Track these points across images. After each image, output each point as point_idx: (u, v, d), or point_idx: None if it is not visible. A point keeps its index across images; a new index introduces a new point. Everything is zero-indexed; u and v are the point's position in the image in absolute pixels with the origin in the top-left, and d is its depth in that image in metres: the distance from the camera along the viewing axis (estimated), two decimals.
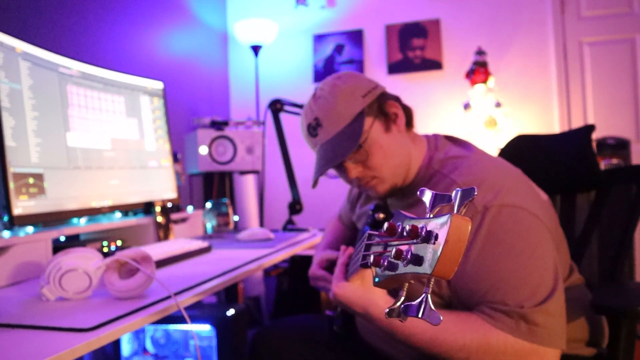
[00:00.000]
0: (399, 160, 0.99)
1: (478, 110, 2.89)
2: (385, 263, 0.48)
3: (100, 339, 0.73)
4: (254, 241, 1.68)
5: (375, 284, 0.52)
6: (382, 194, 1.02)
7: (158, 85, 1.86)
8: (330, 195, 2.64)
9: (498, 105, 2.85)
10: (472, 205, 0.85)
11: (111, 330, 0.75)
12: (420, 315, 0.43)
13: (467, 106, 2.93)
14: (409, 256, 0.45)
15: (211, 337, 1.69)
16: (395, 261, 0.47)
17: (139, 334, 1.76)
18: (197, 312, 1.75)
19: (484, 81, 2.87)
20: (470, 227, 0.42)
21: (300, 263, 2.53)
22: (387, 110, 0.99)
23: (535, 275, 0.83)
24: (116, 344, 1.74)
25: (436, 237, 0.43)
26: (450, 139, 1.07)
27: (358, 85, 0.99)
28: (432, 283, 0.44)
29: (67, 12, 2.02)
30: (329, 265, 1.17)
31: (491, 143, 2.78)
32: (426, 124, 3.14)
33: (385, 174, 0.98)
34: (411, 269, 0.45)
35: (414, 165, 1.01)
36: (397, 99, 1.03)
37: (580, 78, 3.03)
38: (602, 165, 2.48)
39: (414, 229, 0.45)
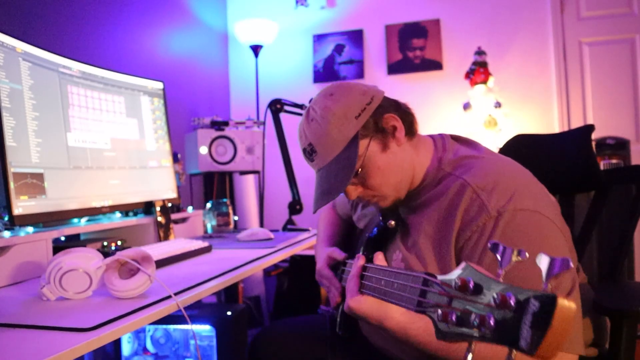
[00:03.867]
0: (400, 177, 0.96)
1: (478, 111, 2.89)
2: (454, 319, 0.47)
3: (100, 338, 0.73)
4: (254, 241, 1.68)
5: (440, 339, 0.51)
6: (386, 208, 1.00)
7: (158, 85, 1.87)
8: None
9: (498, 105, 2.85)
10: (485, 210, 0.84)
11: (111, 330, 0.76)
12: None
13: (467, 106, 2.93)
14: (492, 324, 0.43)
15: (211, 337, 1.69)
16: (477, 328, 0.45)
17: (139, 334, 1.76)
18: (197, 312, 1.75)
19: (484, 81, 2.87)
20: (574, 310, 0.41)
21: (300, 263, 2.52)
22: (384, 125, 0.94)
23: None
24: (116, 343, 1.75)
25: (533, 314, 0.41)
26: (457, 139, 1.04)
27: (351, 105, 0.93)
28: (514, 354, 0.43)
29: (67, 13, 2.02)
30: (334, 265, 1.17)
31: (491, 143, 2.78)
32: (426, 124, 3.14)
33: (386, 192, 0.96)
34: (496, 338, 0.43)
35: (419, 172, 0.98)
36: (395, 108, 0.97)
37: (579, 78, 3.03)
38: (602, 165, 2.48)
39: (503, 299, 0.43)
